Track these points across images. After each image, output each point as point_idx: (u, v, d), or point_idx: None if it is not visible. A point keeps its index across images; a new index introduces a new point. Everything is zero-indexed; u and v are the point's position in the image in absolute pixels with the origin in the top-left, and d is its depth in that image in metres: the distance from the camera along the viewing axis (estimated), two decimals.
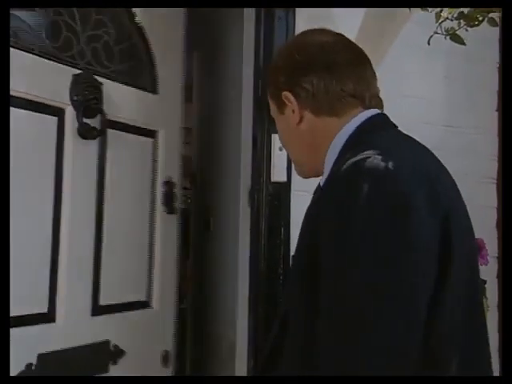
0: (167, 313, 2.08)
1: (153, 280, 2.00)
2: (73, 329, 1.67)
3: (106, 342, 1.76)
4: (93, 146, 1.81)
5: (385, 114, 1.04)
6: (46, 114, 1.66)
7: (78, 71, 1.76)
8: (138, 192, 1.99)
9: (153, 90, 2.08)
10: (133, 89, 1.95)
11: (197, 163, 2.97)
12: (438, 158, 1.00)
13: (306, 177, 1.13)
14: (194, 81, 3.00)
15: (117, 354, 1.80)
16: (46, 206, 1.65)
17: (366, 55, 1.07)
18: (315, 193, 1.07)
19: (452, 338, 0.85)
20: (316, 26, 1.11)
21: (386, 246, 0.79)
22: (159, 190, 2.08)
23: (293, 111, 1.02)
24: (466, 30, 1.50)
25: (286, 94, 1.03)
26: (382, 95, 1.08)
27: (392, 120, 1.05)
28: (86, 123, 1.75)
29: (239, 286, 2.22)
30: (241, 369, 2.13)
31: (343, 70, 1.00)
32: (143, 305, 1.96)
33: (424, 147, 0.99)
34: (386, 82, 1.17)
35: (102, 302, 1.78)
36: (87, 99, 1.74)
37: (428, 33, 1.56)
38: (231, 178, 2.40)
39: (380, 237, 0.79)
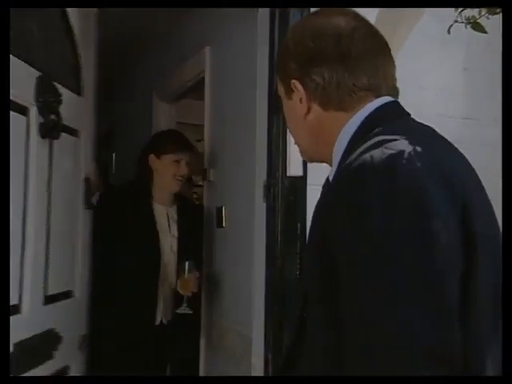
0: (86, 300, 2.21)
1: (75, 270, 2.10)
2: (32, 318, 1.76)
3: (52, 330, 1.87)
4: (47, 144, 1.85)
5: (397, 102, 1.00)
6: (15, 111, 1.64)
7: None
8: (68, 189, 2.08)
9: (78, 91, 2.12)
10: (65, 89, 1.96)
11: (209, 159, 2.96)
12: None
13: (310, 161, 1.13)
14: (206, 76, 2.97)
15: (58, 340, 1.88)
16: (17, 202, 1.68)
17: (385, 42, 1.01)
18: (324, 187, 1.05)
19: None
20: None
21: (408, 247, 0.76)
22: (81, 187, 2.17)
23: (300, 100, 0.99)
24: (488, 18, 1.45)
25: (295, 83, 0.99)
26: (399, 87, 1.04)
27: (406, 110, 1.01)
28: (44, 123, 1.79)
29: (255, 283, 2.19)
30: (257, 366, 2.10)
31: (359, 62, 0.96)
32: (70, 294, 2.08)
33: (439, 136, 0.95)
34: (403, 74, 1.13)
35: (49, 292, 1.89)
36: (50, 101, 1.81)
37: (446, 22, 1.52)
38: (246, 173, 2.37)
39: (400, 237, 0.76)
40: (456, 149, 0.94)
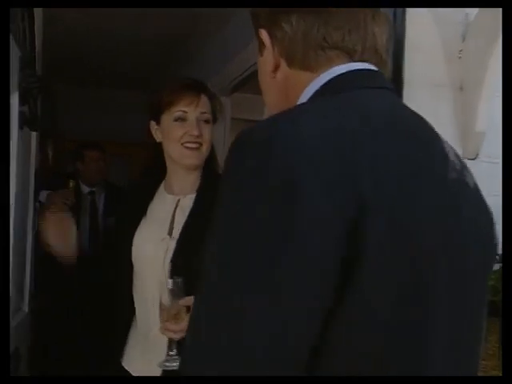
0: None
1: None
2: None
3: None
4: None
5: (376, 71, 0.80)
6: None
7: None
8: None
9: None
10: None
11: None
12: None
13: None
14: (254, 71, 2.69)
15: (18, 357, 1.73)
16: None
17: None
18: None
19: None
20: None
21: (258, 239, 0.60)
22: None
23: (269, 55, 0.84)
24: None
25: (262, 33, 0.84)
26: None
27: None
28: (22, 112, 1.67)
29: None
30: None
31: (335, 13, 0.80)
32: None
33: (407, 123, 0.75)
34: None
35: None
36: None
37: None
38: None
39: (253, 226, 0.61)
40: (424, 152, 0.72)
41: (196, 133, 1.63)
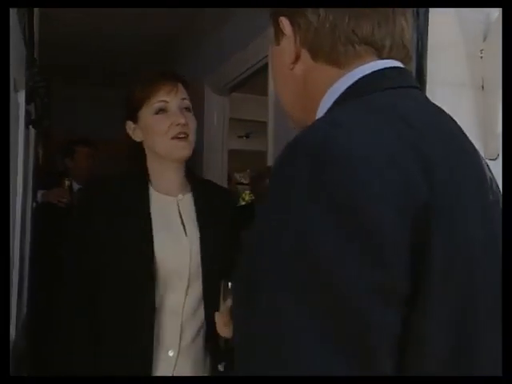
0: None
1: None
2: None
3: None
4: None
5: (404, 69, 0.78)
6: None
7: None
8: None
9: None
10: None
11: (274, 157, 2.67)
12: None
13: (297, 129, 0.87)
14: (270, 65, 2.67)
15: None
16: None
17: None
18: None
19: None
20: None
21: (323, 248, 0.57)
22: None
23: (289, 44, 0.80)
24: None
25: (283, 21, 0.79)
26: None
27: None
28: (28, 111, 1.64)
29: None
30: None
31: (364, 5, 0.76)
32: None
33: (441, 121, 0.73)
34: None
35: None
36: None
37: None
38: None
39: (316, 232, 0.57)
40: (467, 148, 0.73)
41: (183, 121, 1.48)
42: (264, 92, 2.82)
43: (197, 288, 1.50)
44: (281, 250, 0.58)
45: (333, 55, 0.76)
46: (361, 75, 0.74)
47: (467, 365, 0.64)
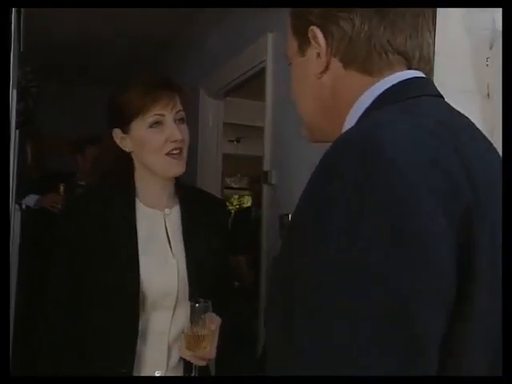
0: None
1: None
2: None
3: None
4: None
5: (430, 80, 0.82)
6: None
7: None
8: None
9: None
10: None
11: (271, 160, 2.70)
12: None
13: (313, 141, 0.91)
14: (269, 66, 2.66)
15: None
16: None
17: None
18: None
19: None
20: None
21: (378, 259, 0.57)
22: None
23: (318, 55, 0.80)
24: None
25: (315, 31, 0.79)
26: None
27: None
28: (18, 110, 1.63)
29: None
30: None
31: (398, 16, 0.77)
32: None
33: (471, 130, 0.76)
34: None
35: None
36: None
37: None
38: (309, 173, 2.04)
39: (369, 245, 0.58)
40: (488, 144, 0.76)
41: (179, 137, 1.41)
42: (257, 97, 2.81)
43: (184, 308, 1.42)
44: (331, 254, 0.59)
45: (367, 64, 0.78)
46: (393, 82, 0.76)
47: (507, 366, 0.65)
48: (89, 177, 3.44)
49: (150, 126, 1.42)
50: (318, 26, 0.80)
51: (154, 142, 1.41)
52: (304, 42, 0.82)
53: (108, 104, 1.48)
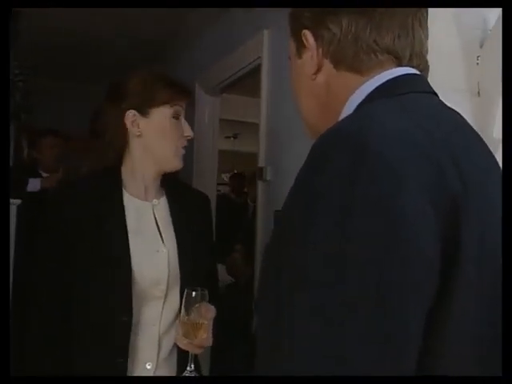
0: None
1: None
2: None
3: None
4: None
5: (423, 76, 0.83)
6: None
7: None
8: None
9: None
10: None
11: (266, 157, 2.70)
12: None
13: (313, 138, 0.88)
14: (264, 63, 2.67)
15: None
16: None
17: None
18: None
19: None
20: None
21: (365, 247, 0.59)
22: None
23: (311, 57, 0.84)
24: None
25: (306, 34, 0.84)
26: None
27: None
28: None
29: None
30: None
31: (385, 16, 0.80)
32: None
33: (463, 126, 0.78)
34: None
35: None
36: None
37: None
38: None
39: (358, 234, 0.59)
40: (484, 146, 0.78)
41: (191, 134, 1.48)
42: (253, 93, 2.81)
43: (174, 298, 1.45)
44: (318, 247, 0.60)
45: (355, 64, 0.81)
46: (383, 80, 0.79)
47: (489, 362, 0.66)
48: (48, 169, 3.48)
49: (173, 117, 1.47)
50: (310, 30, 0.84)
51: (175, 133, 1.47)
52: (300, 44, 0.86)
53: (122, 85, 1.48)
